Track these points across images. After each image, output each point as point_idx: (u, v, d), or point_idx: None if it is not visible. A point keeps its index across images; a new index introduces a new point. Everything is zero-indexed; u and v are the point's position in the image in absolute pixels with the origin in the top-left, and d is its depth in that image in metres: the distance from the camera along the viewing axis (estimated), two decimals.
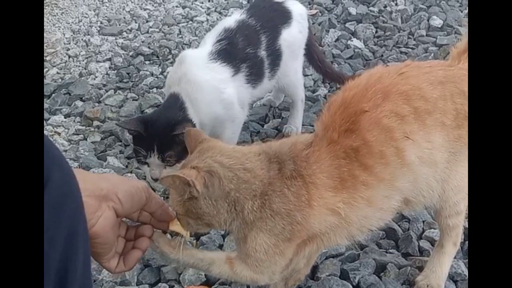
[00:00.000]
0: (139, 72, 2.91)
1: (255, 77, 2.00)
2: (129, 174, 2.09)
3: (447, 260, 1.49)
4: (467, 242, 1.66)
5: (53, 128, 2.49)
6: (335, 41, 3.03)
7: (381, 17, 3.21)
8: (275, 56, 2.06)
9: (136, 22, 3.52)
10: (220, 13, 3.59)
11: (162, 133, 1.77)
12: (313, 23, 3.21)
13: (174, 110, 1.84)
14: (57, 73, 3.01)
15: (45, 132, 2.44)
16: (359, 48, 2.93)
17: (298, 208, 1.21)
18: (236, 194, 1.20)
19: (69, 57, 3.17)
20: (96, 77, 2.93)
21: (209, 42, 1.96)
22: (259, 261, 1.25)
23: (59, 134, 2.45)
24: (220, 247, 1.74)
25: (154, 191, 1.79)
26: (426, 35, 3.00)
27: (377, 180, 1.25)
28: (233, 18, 2.05)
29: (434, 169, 1.32)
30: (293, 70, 2.18)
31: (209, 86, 1.89)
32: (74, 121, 2.54)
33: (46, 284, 0.78)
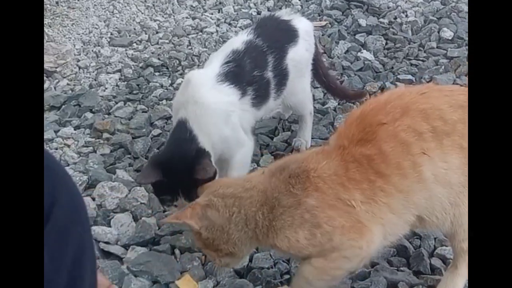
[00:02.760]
0: (148, 84, 2.91)
1: (260, 99, 1.96)
2: (138, 188, 2.09)
3: (460, 281, 1.47)
4: None
5: (63, 140, 2.49)
6: (345, 53, 3.02)
7: (391, 29, 3.20)
8: (282, 76, 2.03)
9: (146, 33, 3.53)
10: (230, 24, 3.60)
11: (183, 178, 1.66)
12: (322, 35, 3.21)
13: (186, 144, 1.74)
14: (67, 84, 3.02)
15: (54, 144, 2.44)
16: (369, 60, 2.91)
17: (307, 195, 1.28)
18: (242, 213, 1.31)
19: (79, 68, 3.18)
20: (106, 88, 2.94)
21: (217, 63, 1.90)
22: (319, 252, 1.31)
23: (68, 146, 2.46)
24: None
25: None
26: (437, 47, 2.98)
27: (396, 190, 1.29)
28: (241, 38, 2.00)
29: (449, 190, 1.32)
30: (300, 88, 2.15)
31: (217, 107, 1.82)
32: (83, 133, 2.55)
33: None
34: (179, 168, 1.67)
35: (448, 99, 1.35)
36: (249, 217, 1.32)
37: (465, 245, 1.41)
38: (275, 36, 2.04)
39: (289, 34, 2.07)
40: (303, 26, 2.13)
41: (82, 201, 0.85)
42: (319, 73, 2.32)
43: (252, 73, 1.92)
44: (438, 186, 1.31)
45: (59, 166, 0.83)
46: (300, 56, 2.08)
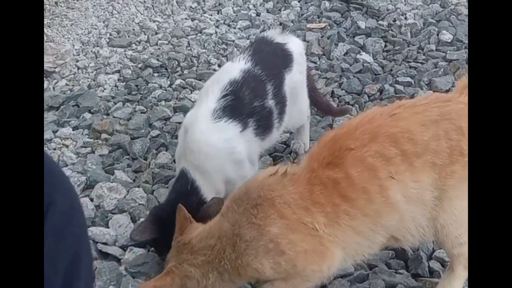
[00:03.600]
0: (147, 85, 2.91)
1: (263, 129, 1.86)
2: (136, 189, 2.08)
3: (458, 283, 1.47)
4: None
5: (61, 140, 2.48)
6: (344, 55, 3.02)
7: (390, 31, 3.20)
8: (282, 104, 1.94)
9: (145, 34, 3.53)
10: (229, 25, 3.60)
11: None
12: (322, 36, 3.21)
13: (187, 197, 1.67)
14: (66, 84, 3.02)
15: (53, 144, 2.44)
16: (368, 62, 2.91)
17: (270, 223, 1.29)
18: (215, 273, 1.35)
19: (78, 68, 3.18)
20: (105, 89, 2.93)
21: (213, 97, 1.77)
22: (282, 277, 1.34)
23: (67, 146, 2.45)
24: None
25: None
26: (436, 49, 2.99)
27: (361, 214, 1.31)
28: (238, 67, 1.86)
29: (422, 207, 1.35)
30: (296, 110, 2.07)
31: (216, 150, 1.73)
32: (82, 133, 2.54)
33: None
34: None
35: (420, 117, 1.35)
36: (222, 272, 1.35)
37: (456, 251, 1.43)
38: (273, 63, 1.94)
39: (285, 59, 1.99)
40: (297, 48, 2.06)
41: (79, 201, 0.85)
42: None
43: (252, 104, 1.81)
44: (411, 206, 1.33)
45: (56, 166, 0.82)
46: (295, 82, 2.01)
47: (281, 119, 1.95)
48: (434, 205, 1.35)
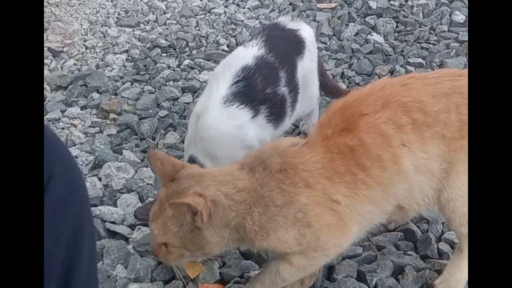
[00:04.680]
0: (155, 65, 2.89)
1: (276, 116, 1.82)
2: (144, 169, 2.08)
3: (465, 265, 1.45)
4: None
5: (70, 120, 2.48)
6: (355, 36, 2.98)
7: (402, 12, 3.15)
8: (295, 92, 1.90)
9: (153, 14, 3.50)
10: (238, 5, 3.56)
11: None
12: (332, 17, 3.17)
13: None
14: (74, 64, 3.00)
15: (61, 124, 2.44)
16: (379, 43, 2.87)
17: (299, 192, 1.25)
18: (237, 220, 1.25)
19: (86, 48, 3.16)
20: (113, 69, 2.92)
21: (224, 83, 1.74)
22: (301, 251, 1.30)
23: (75, 126, 2.45)
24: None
25: None
26: (448, 30, 2.93)
27: (376, 183, 1.29)
28: (251, 53, 1.82)
29: (430, 178, 1.33)
30: (307, 98, 2.03)
31: (227, 137, 1.70)
32: (90, 113, 2.54)
33: (50, 282, 0.77)
34: None
35: (431, 88, 1.34)
36: (241, 224, 1.26)
37: (463, 230, 1.40)
38: (286, 50, 1.90)
39: (297, 46, 1.96)
40: (308, 35, 2.02)
41: (80, 175, 0.84)
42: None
43: (265, 91, 1.78)
44: (419, 175, 1.32)
45: (56, 139, 0.81)
46: (306, 69, 1.97)
47: (293, 107, 1.92)
48: (441, 177, 1.33)
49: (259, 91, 1.76)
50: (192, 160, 1.71)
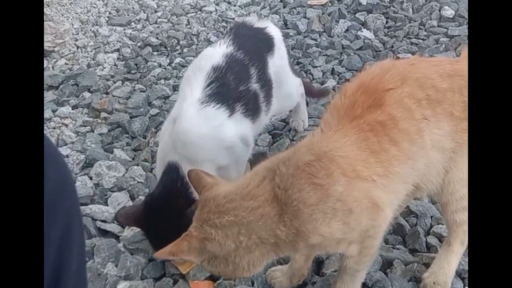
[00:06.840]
0: (147, 63, 2.90)
1: (252, 112, 1.79)
2: (135, 167, 2.09)
3: (454, 259, 1.47)
4: None
5: (61, 119, 2.48)
6: (345, 32, 2.99)
7: (391, 7, 3.16)
8: (268, 87, 1.88)
9: (144, 12, 3.50)
10: (229, 3, 3.56)
11: (174, 231, 1.31)
12: (322, 13, 3.18)
13: (176, 195, 1.60)
14: (65, 64, 3.01)
15: (52, 123, 2.44)
16: (369, 39, 2.88)
17: (334, 181, 1.17)
18: (253, 237, 1.17)
19: (78, 47, 3.17)
20: (104, 68, 2.92)
21: (197, 86, 1.70)
22: (346, 239, 1.23)
23: (66, 125, 2.45)
24: None
25: None
26: (438, 25, 2.95)
27: (406, 157, 1.26)
28: (220, 52, 1.79)
29: (443, 155, 1.33)
30: (283, 94, 2.01)
31: (207, 140, 1.66)
32: (81, 112, 2.54)
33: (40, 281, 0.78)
34: (168, 224, 1.53)
35: (436, 68, 1.35)
36: (264, 237, 1.18)
37: (457, 217, 1.40)
38: (256, 47, 1.89)
39: (267, 44, 1.94)
40: (276, 33, 2.01)
41: (70, 175, 0.85)
42: None
43: (238, 88, 1.75)
44: (435, 152, 1.31)
45: (47, 141, 0.81)
46: (276, 66, 1.95)
47: (268, 102, 1.90)
48: (449, 157, 1.33)
49: (233, 89, 1.74)
50: (172, 167, 1.63)
